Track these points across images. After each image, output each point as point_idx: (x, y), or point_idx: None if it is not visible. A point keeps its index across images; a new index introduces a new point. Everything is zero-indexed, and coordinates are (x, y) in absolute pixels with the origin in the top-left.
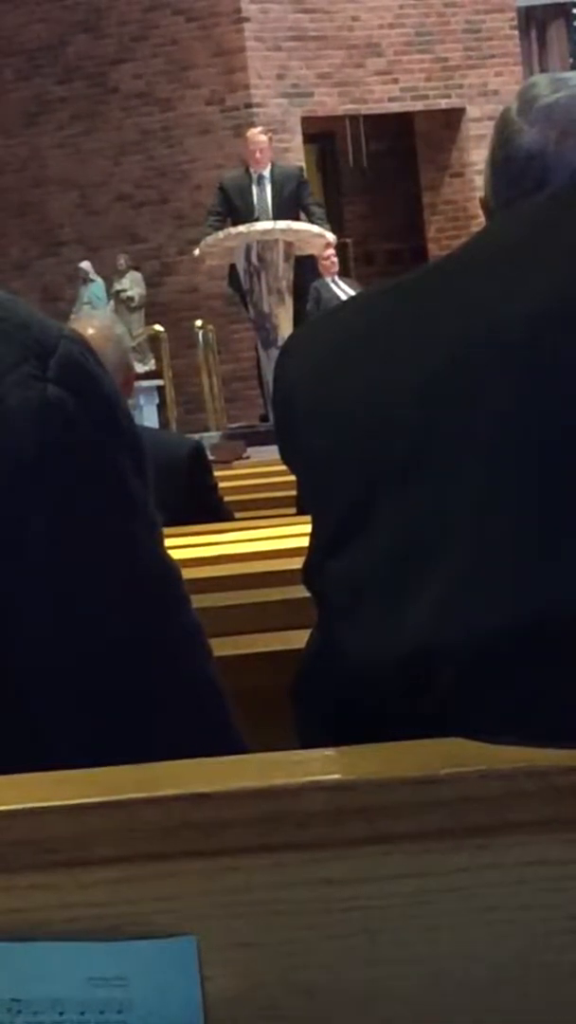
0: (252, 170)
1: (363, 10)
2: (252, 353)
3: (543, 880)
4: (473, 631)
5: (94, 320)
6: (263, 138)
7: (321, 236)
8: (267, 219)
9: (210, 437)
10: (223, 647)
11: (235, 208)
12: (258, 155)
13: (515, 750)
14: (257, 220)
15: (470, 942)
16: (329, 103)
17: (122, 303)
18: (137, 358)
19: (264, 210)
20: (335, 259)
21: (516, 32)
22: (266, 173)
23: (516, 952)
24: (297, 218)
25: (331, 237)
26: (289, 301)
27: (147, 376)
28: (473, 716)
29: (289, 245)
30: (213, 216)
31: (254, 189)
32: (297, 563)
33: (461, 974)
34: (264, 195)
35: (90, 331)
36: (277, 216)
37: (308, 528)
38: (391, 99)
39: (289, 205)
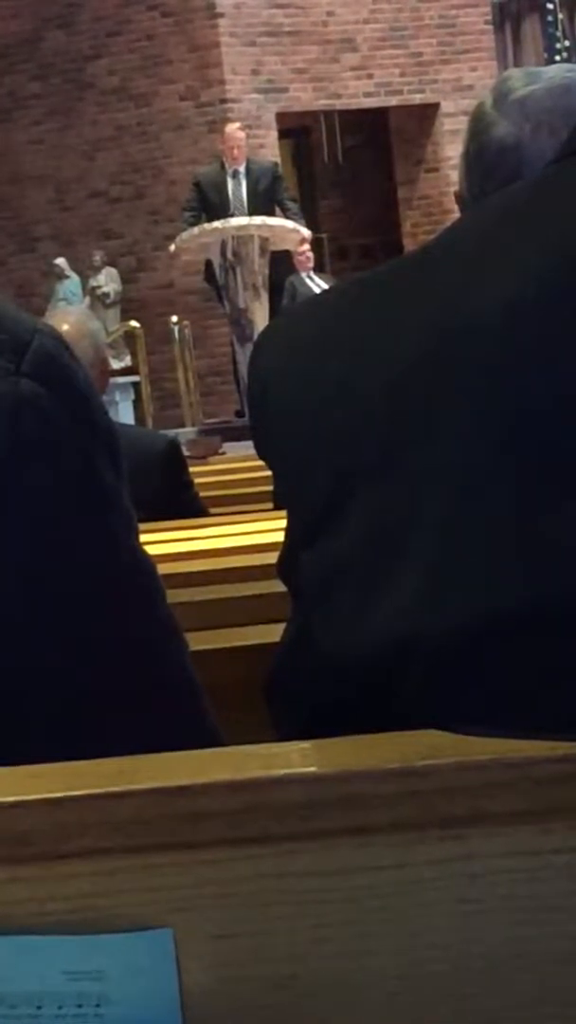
0: (228, 165)
1: (337, 5)
2: (228, 348)
3: (520, 871)
4: (448, 623)
5: (69, 315)
6: (241, 134)
7: (296, 231)
8: (242, 214)
9: (186, 433)
10: (199, 641)
11: (210, 203)
12: (235, 151)
13: (491, 741)
14: (232, 215)
15: (448, 933)
16: (304, 98)
17: (97, 299)
18: (113, 354)
19: (239, 205)
20: (310, 254)
21: (491, 27)
22: (241, 168)
23: (494, 943)
24: (272, 213)
25: (306, 232)
26: (265, 296)
27: (123, 372)
28: (448, 708)
29: (265, 240)
30: (188, 212)
31: (229, 184)
32: (273, 558)
33: (439, 965)
34: (239, 190)
35: (65, 326)
36: (252, 211)
37: (283, 523)
38: (366, 94)
39: (264, 200)
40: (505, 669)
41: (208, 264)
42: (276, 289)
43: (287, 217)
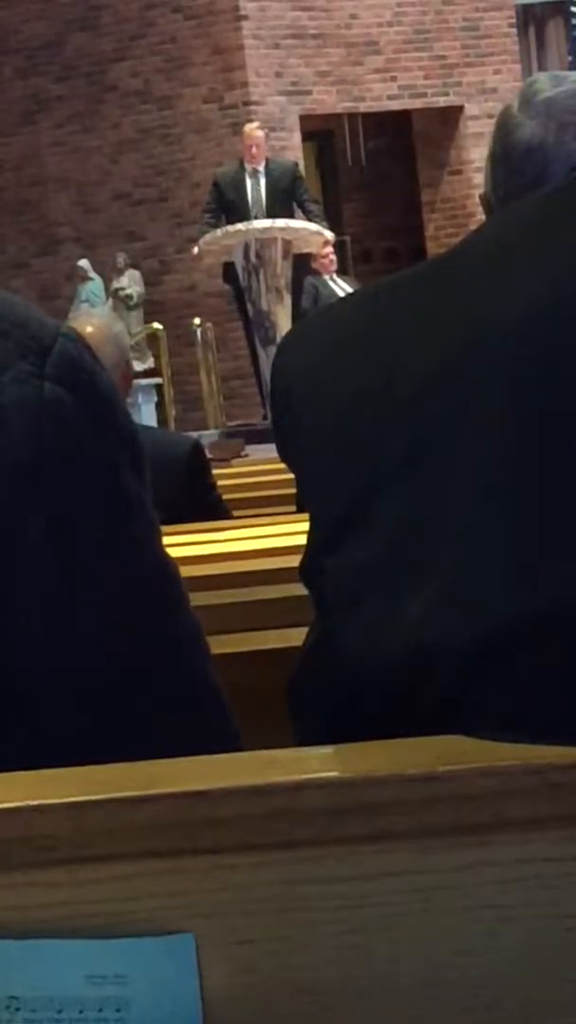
0: (247, 165)
1: (362, 8)
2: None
3: (541, 877)
4: (472, 628)
5: (92, 318)
6: (259, 134)
7: (320, 234)
8: (261, 214)
9: (209, 435)
10: (221, 645)
11: (229, 202)
12: (254, 150)
13: (513, 747)
14: (251, 215)
15: (469, 939)
16: (327, 101)
17: (120, 301)
18: (135, 356)
19: (258, 204)
20: (333, 257)
21: (514, 30)
22: (261, 168)
23: (515, 949)
24: (292, 213)
25: (329, 235)
26: (288, 299)
27: (145, 374)
28: (472, 713)
29: (288, 243)
30: (207, 212)
31: (248, 183)
32: (296, 561)
33: (460, 971)
34: (258, 189)
35: (88, 329)
36: (271, 211)
37: (307, 526)
38: (389, 97)
39: (283, 200)
40: (528, 675)
41: (226, 266)
42: (294, 291)
43: (309, 219)
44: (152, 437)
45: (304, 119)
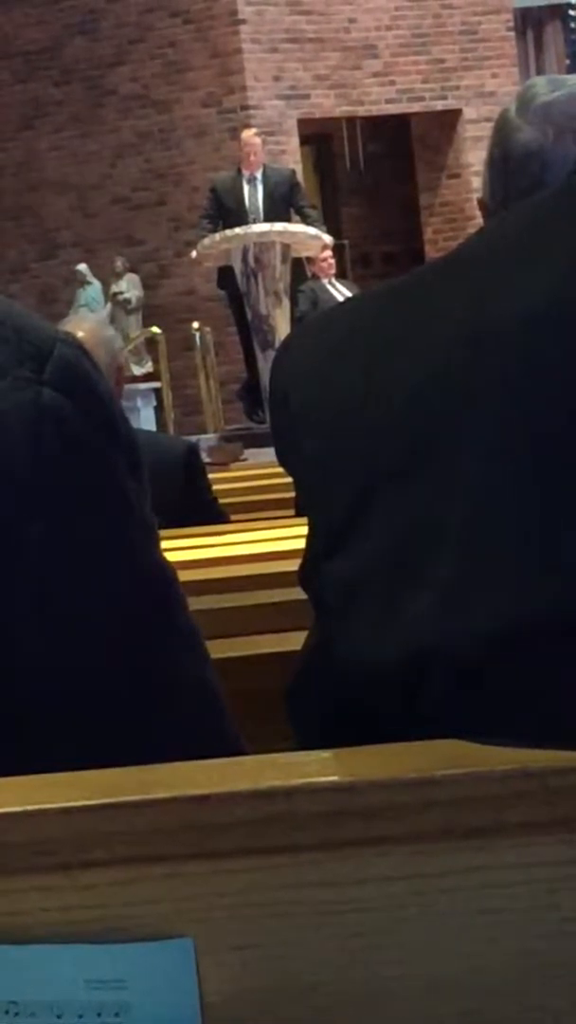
0: (245, 171)
1: (360, 12)
2: (249, 354)
3: (539, 881)
4: (471, 632)
5: (84, 323)
6: (257, 140)
7: (318, 238)
8: (259, 220)
9: (207, 439)
10: (219, 649)
11: (227, 209)
12: (252, 157)
13: (511, 751)
14: (249, 221)
15: (467, 943)
16: (326, 105)
17: (119, 305)
18: (134, 360)
19: (256, 211)
20: (332, 261)
21: (512, 33)
22: (258, 174)
23: (513, 953)
24: (289, 219)
25: (328, 239)
26: (286, 303)
27: (144, 379)
28: (470, 717)
29: (286, 247)
30: (205, 218)
31: (245, 189)
32: (294, 565)
33: (458, 976)
34: (255, 196)
35: (80, 334)
36: (268, 217)
37: (305, 530)
38: (388, 101)
39: (281, 207)
40: (526, 680)
41: (221, 271)
42: (293, 295)
43: (307, 224)
44: (147, 441)
45: (302, 123)
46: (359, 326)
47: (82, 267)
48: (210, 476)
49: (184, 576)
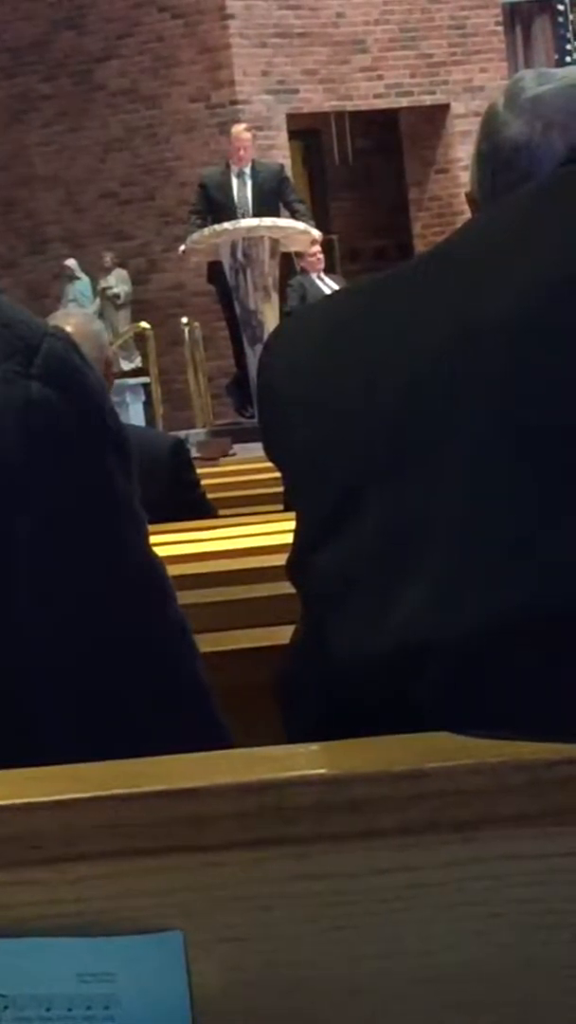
0: (234, 166)
1: (348, 6)
2: (239, 349)
3: (528, 874)
4: (459, 626)
5: (71, 317)
6: (247, 135)
7: (307, 233)
8: (248, 215)
9: (196, 434)
10: (209, 643)
11: (216, 204)
12: (241, 152)
13: (501, 744)
14: (238, 216)
15: (457, 935)
16: (314, 100)
17: (108, 300)
18: (123, 355)
19: (245, 206)
20: (321, 256)
21: (501, 28)
22: (247, 169)
23: (502, 946)
24: (278, 214)
25: (317, 234)
26: (275, 298)
27: (133, 373)
28: (459, 710)
29: (275, 242)
30: (194, 213)
31: (234, 184)
32: (282, 559)
33: (448, 968)
34: (244, 191)
35: (68, 328)
36: (258, 212)
37: (293, 524)
38: (376, 96)
39: (270, 201)
40: (517, 673)
41: (211, 266)
42: (282, 290)
43: (296, 219)
44: (135, 436)
45: (291, 118)
46: (346, 320)
47: (71, 262)
48: (199, 471)
49: (173, 571)
